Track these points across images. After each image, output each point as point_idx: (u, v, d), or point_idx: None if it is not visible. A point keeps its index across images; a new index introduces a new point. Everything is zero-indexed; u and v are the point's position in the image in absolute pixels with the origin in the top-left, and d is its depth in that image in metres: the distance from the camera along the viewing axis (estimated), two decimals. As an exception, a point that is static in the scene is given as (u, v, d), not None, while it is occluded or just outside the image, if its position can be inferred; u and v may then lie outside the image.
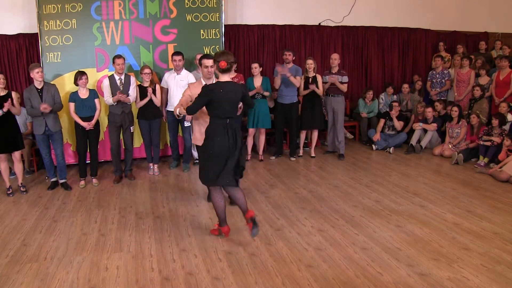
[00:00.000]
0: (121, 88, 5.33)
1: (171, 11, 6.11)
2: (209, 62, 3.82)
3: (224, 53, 3.52)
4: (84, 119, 5.15)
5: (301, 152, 6.57)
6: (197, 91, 3.67)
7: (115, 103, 5.28)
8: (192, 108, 3.54)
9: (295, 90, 6.18)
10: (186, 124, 5.73)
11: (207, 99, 3.43)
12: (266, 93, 6.05)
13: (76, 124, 5.19)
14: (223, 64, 3.43)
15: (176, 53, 5.63)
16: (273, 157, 6.45)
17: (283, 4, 7.34)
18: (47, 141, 5.15)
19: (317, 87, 6.15)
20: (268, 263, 3.27)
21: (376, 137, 6.95)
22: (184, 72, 5.70)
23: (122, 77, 5.38)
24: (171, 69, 5.81)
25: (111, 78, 5.36)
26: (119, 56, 5.33)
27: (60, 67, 5.82)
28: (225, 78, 3.50)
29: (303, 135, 6.52)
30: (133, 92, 5.43)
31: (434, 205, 4.42)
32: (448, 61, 7.78)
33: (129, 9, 5.95)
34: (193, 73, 5.85)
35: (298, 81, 6.04)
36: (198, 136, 3.86)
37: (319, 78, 6.19)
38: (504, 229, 3.78)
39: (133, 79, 5.50)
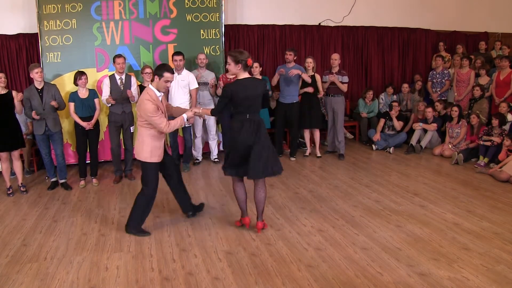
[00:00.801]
0: (122, 88, 5.33)
1: (171, 11, 6.11)
2: (171, 77, 3.64)
3: (242, 51, 3.58)
4: (83, 119, 5.15)
5: (307, 151, 6.57)
6: (148, 105, 3.49)
7: (109, 105, 5.28)
8: (217, 109, 3.71)
9: (296, 90, 6.18)
10: (187, 124, 5.72)
11: (229, 98, 3.55)
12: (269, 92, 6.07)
13: (76, 124, 5.19)
14: (250, 61, 3.55)
15: (176, 53, 5.63)
16: None
17: (283, 4, 7.34)
18: (47, 141, 5.15)
19: (316, 86, 6.15)
20: (268, 263, 3.27)
21: (376, 137, 6.95)
22: (185, 72, 5.69)
23: (123, 76, 5.38)
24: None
25: (112, 77, 5.36)
26: (119, 56, 5.33)
27: (60, 67, 5.82)
28: (246, 74, 3.60)
29: (307, 134, 6.51)
30: (134, 92, 5.43)
31: (434, 205, 4.42)
32: (448, 61, 7.78)
33: (129, 9, 5.96)
34: (194, 72, 5.85)
35: (307, 77, 6.07)
36: (146, 150, 3.69)
37: (317, 77, 6.20)
38: (504, 229, 3.78)
39: (133, 79, 5.50)
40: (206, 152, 6.43)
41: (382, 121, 7.08)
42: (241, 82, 3.55)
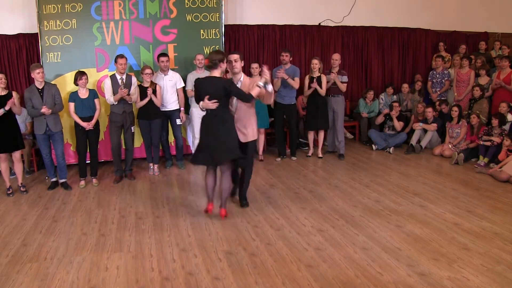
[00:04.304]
0: (123, 88, 5.33)
1: (171, 11, 6.11)
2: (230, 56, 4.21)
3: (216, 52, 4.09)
4: (84, 119, 5.15)
5: (310, 152, 6.54)
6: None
7: (116, 102, 5.28)
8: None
9: (294, 91, 6.16)
10: (178, 122, 5.81)
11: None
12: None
13: (76, 124, 5.19)
14: (206, 61, 4.02)
15: (162, 54, 5.74)
16: (279, 159, 6.40)
17: (283, 4, 7.35)
18: (48, 141, 5.15)
19: (321, 87, 6.11)
20: (268, 263, 3.27)
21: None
22: (171, 72, 5.83)
23: (124, 76, 5.38)
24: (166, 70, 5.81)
25: (113, 77, 5.36)
26: (121, 56, 5.33)
27: (60, 67, 5.82)
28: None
29: (311, 135, 6.50)
30: (133, 91, 5.43)
31: (434, 205, 4.42)
32: (448, 61, 7.78)
33: (129, 9, 5.96)
34: (192, 73, 5.87)
35: (296, 83, 6.00)
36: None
37: (323, 78, 6.12)
38: (504, 229, 3.78)
39: (134, 79, 5.50)
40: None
41: (381, 117, 7.15)
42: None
